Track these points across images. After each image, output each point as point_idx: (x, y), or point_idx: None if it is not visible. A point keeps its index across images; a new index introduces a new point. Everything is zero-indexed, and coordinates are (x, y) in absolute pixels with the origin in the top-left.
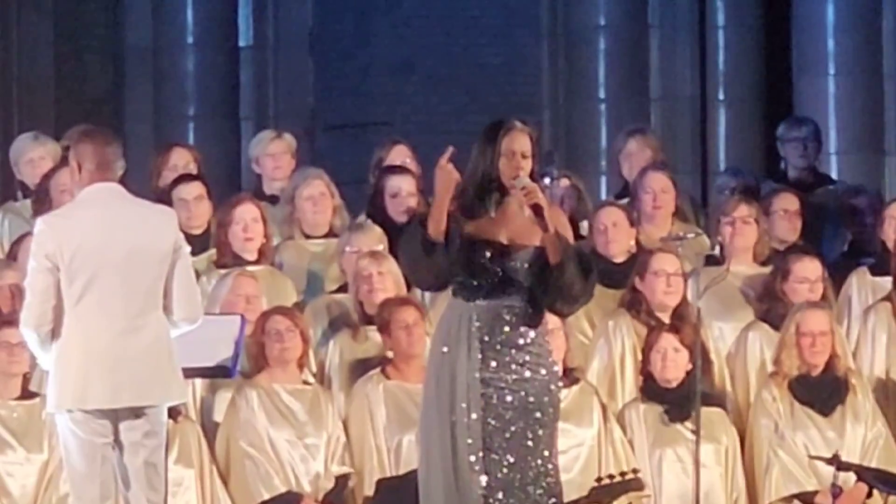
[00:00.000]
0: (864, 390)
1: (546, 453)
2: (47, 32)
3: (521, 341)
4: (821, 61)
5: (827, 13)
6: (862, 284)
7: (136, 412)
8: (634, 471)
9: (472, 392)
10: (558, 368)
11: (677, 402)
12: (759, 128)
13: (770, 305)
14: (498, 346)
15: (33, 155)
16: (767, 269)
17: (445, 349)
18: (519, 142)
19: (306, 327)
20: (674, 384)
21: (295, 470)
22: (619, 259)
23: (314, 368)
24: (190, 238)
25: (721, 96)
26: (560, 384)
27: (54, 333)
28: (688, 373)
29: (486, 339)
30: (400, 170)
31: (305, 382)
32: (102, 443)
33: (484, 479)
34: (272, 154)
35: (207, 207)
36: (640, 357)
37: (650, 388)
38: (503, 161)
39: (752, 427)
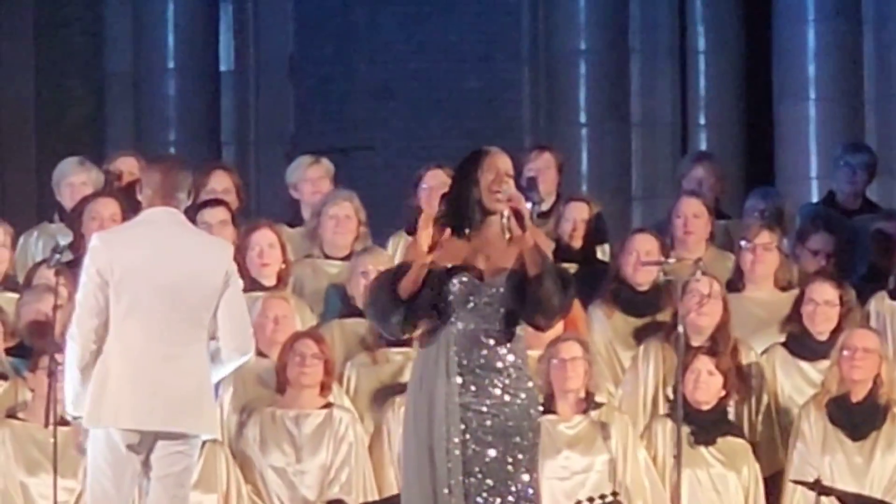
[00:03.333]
0: None
1: (526, 477)
2: (28, 58)
3: (499, 364)
4: (801, 86)
5: (808, 38)
6: (880, 309)
7: (169, 438)
8: (614, 493)
9: (451, 416)
10: (537, 392)
11: (705, 426)
12: (740, 152)
13: (791, 329)
14: (476, 370)
15: (74, 179)
16: (787, 295)
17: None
18: (503, 161)
19: (332, 356)
20: (704, 407)
21: (280, 497)
22: (644, 288)
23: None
24: None
25: (702, 121)
26: (540, 407)
27: (98, 352)
28: (720, 399)
29: (465, 362)
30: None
31: (328, 405)
32: (131, 465)
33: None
34: (310, 179)
35: (231, 233)
36: (667, 382)
37: (679, 408)
38: (486, 180)
39: (790, 453)
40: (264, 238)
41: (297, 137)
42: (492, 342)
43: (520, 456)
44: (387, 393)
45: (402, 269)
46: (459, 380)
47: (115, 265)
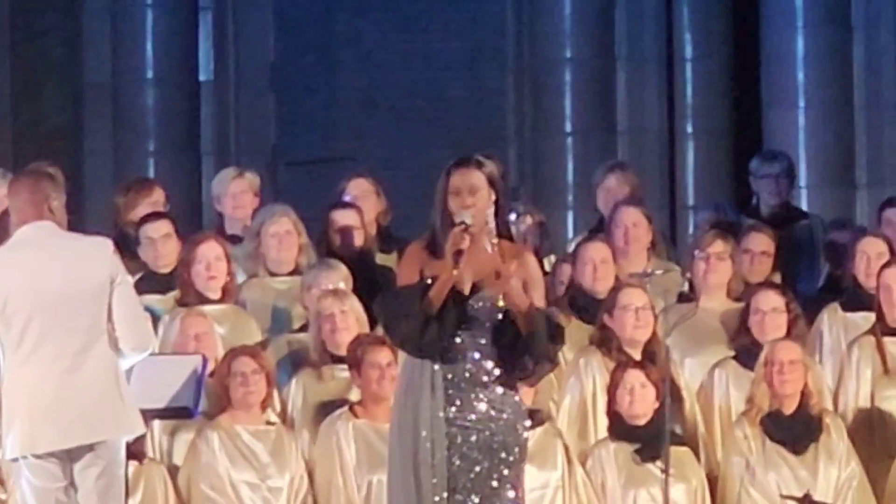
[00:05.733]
0: (839, 430)
1: (511, 494)
2: (5, 68)
3: (484, 379)
4: (790, 93)
5: (797, 45)
6: (833, 321)
7: (90, 450)
8: None
9: (436, 432)
10: (525, 407)
11: (647, 441)
12: (728, 161)
13: (741, 341)
14: (462, 385)
15: None
16: (741, 305)
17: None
18: (462, 178)
19: (272, 369)
20: (642, 421)
21: None
22: (601, 296)
23: (278, 408)
24: (157, 277)
25: (689, 129)
26: (527, 423)
27: None
28: (656, 410)
29: (450, 376)
30: (344, 205)
31: (269, 422)
32: (56, 487)
33: None
34: (233, 193)
35: (175, 246)
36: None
37: (619, 427)
38: (450, 198)
39: (723, 465)
40: (211, 251)
41: (278, 148)
42: (477, 356)
43: (505, 472)
44: (331, 408)
45: (420, 287)
46: (444, 394)
47: (4, 292)
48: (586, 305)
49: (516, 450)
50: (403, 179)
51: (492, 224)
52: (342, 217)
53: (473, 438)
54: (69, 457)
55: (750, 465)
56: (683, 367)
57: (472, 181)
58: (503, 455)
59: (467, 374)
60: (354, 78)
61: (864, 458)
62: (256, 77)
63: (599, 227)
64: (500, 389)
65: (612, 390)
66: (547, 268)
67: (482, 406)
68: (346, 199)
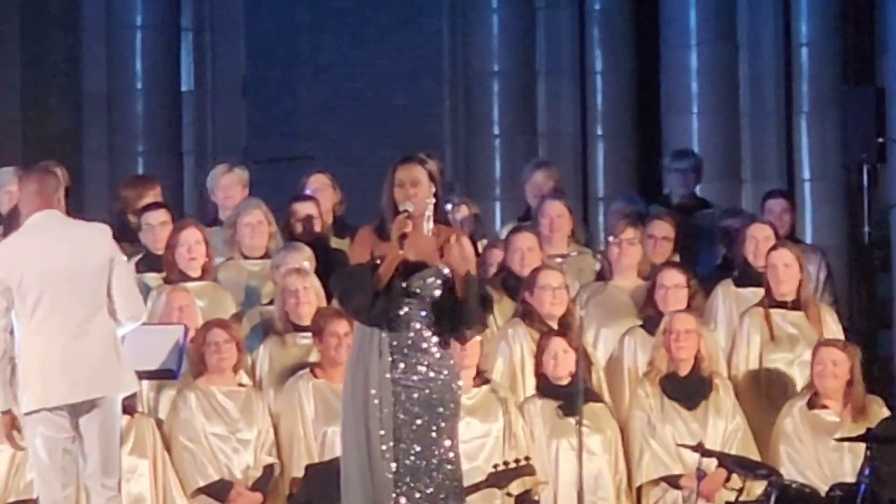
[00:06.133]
0: (727, 389)
1: (447, 443)
2: (15, 80)
3: (424, 345)
4: (686, 101)
5: (690, 60)
6: (726, 294)
7: (92, 405)
8: (527, 458)
9: (383, 390)
10: (458, 369)
11: (569, 398)
12: (632, 159)
13: (647, 313)
14: (405, 350)
15: (11, 187)
16: (648, 283)
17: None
18: (406, 172)
19: (241, 338)
20: (564, 381)
21: (228, 461)
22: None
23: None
24: (155, 258)
25: (599, 132)
26: (460, 383)
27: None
28: (572, 373)
29: (395, 343)
30: (305, 197)
31: (240, 384)
32: (64, 437)
33: (394, 465)
34: (223, 186)
35: (170, 232)
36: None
37: (544, 386)
38: (396, 190)
39: (629, 419)
40: (192, 236)
41: (248, 149)
42: (418, 325)
43: (442, 424)
44: (294, 371)
45: (370, 265)
46: (390, 358)
47: (15, 272)
48: (515, 286)
49: (452, 405)
50: (354, 176)
51: (430, 212)
52: (303, 207)
53: (415, 396)
54: (75, 411)
55: (650, 419)
56: (600, 337)
57: (414, 175)
58: (440, 410)
59: (410, 341)
60: (314, 89)
61: (753, 412)
62: (230, 88)
63: (526, 217)
64: (438, 354)
65: (538, 355)
66: (480, 250)
67: (422, 368)
68: (307, 192)
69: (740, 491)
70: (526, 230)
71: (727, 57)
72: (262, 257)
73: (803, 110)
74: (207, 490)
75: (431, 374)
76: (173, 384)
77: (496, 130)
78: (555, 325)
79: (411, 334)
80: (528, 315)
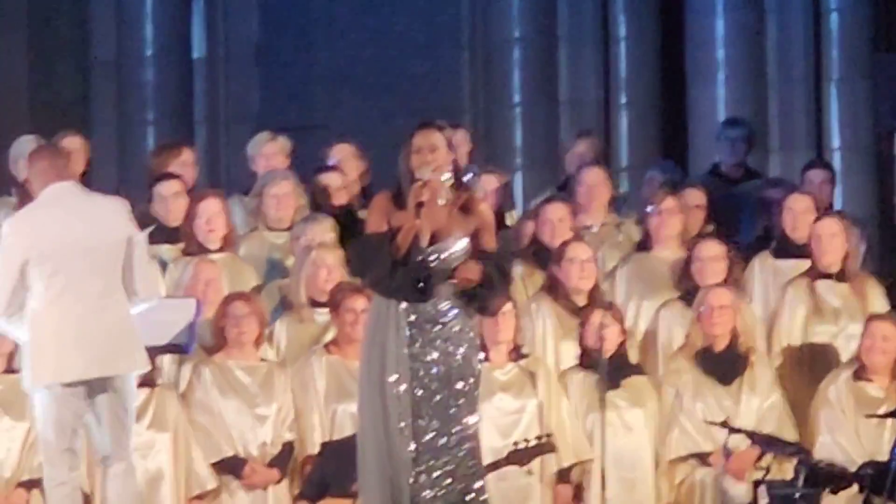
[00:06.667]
0: (764, 365)
1: (467, 420)
2: (22, 46)
3: (443, 319)
4: (711, 69)
5: (717, 26)
6: (763, 266)
7: (107, 383)
8: (548, 435)
9: (400, 366)
10: (479, 342)
11: (611, 372)
12: (656, 128)
13: (685, 285)
14: (423, 324)
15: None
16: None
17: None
18: (424, 138)
19: (263, 312)
20: (607, 354)
21: (244, 437)
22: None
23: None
24: (167, 230)
25: (623, 100)
26: (481, 356)
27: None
28: (619, 344)
29: (412, 318)
30: (328, 168)
31: (262, 359)
32: (75, 417)
33: (412, 444)
34: (265, 154)
35: (184, 203)
36: (559, 334)
37: (586, 358)
38: (413, 156)
39: (662, 393)
40: (211, 206)
41: (261, 117)
42: (436, 298)
43: (461, 400)
44: (311, 346)
45: (387, 235)
46: (408, 332)
47: (34, 244)
48: (546, 258)
49: (471, 380)
50: (370, 145)
51: (448, 180)
52: (326, 178)
53: (434, 371)
54: (90, 389)
55: (680, 393)
56: (641, 309)
57: (432, 141)
58: (460, 385)
59: (428, 314)
60: (328, 55)
61: (795, 385)
62: (243, 54)
63: (564, 186)
64: (457, 327)
65: (582, 327)
66: (509, 222)
67: (440, 342)
68: (331, 162)
69: (768, 469)
70: (557, 200)
71: (754, 23)
72: (286, 229)
73: (833, 77)
74: (220, 466)
75: (450, 349)
76: (192, 357)
77: (517, 99)
78: (583, 300)
79: (429, 308)
80: (553, 289)
